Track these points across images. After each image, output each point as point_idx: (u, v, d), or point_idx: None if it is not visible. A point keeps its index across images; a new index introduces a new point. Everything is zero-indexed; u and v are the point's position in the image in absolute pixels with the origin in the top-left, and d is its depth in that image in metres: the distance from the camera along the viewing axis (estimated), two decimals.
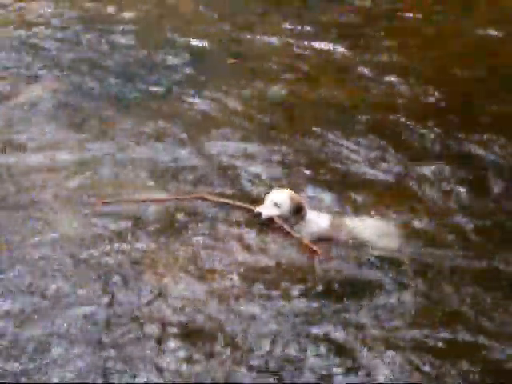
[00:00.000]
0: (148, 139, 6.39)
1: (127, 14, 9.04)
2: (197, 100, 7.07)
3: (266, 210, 5.15)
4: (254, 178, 5.82)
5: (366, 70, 7.69)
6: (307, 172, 5.95)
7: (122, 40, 8.34)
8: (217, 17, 9.08)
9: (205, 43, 8.28)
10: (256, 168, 5.97)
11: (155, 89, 7.32)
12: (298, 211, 5.17)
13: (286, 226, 5.11)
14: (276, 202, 5.17)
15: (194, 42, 8.28)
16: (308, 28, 8.72)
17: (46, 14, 8.99)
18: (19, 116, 6.68)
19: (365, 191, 5.70)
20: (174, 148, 6.24)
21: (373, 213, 5.44)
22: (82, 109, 6.87)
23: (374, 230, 5.26)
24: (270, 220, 5.15)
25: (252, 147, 6.29)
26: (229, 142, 6.35)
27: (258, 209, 5.17)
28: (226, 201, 5.42)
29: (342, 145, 6.32)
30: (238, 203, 5.38)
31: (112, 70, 7.65)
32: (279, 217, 5.15)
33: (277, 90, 7.26)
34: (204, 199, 5.45)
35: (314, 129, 6.56)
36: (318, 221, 5.23)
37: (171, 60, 7.90)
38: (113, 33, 8.47)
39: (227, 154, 6.15)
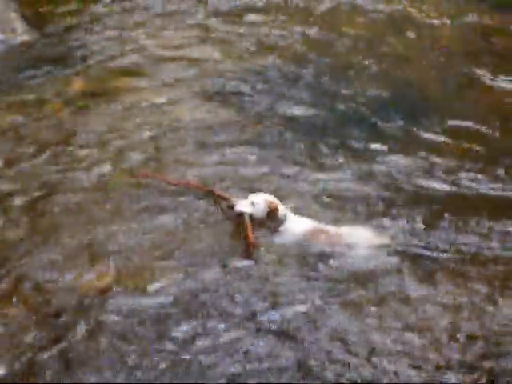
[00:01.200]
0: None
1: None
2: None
3: (241, 204, 5.63)
4: None
5: None
6: None
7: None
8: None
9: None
10: None
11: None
12: (270, 215, 5.65)
13: (248, 226, 5.53)
14: (253, 201, 5.64)
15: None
16: None
17: None
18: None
19: None
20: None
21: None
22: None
23: (356, 238, 5.61)
24: (241, 215, 5.62)
25: None
26: None
27: (235, 202, 5.67)
28: (211, 189, 5.94)
29: None
30: (221, 193, 5.88)
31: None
32: (252, 215, 5.62)
33: None
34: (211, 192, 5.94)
35: None
36: (298, 225, 5.64)
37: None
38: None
39: None
